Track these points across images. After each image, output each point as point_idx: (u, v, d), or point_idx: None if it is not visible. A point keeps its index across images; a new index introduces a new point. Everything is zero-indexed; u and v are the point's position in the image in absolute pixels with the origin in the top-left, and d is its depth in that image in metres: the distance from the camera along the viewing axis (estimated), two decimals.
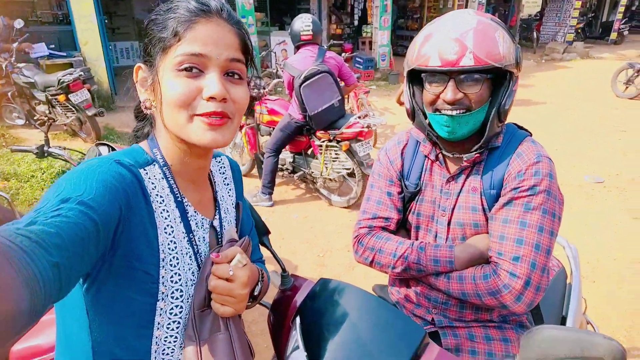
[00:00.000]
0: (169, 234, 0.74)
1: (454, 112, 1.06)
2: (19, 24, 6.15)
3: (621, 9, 15.97)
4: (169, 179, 0.77)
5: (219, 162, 0.96)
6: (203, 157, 0.81)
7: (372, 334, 0.89)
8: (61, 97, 5.11)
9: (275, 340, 1.08)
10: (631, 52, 13.81)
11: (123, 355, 0.72)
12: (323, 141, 3.79)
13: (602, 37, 16.84)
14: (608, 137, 6.23)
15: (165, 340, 0.76)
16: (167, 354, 0.76)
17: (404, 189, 1.26)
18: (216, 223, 0.86)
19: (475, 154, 1.13)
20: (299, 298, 1.05)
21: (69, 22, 7.52)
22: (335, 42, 8.30)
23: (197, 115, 0.71)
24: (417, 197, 1.24)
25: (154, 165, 0.76)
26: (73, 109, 5.24)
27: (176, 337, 0.77)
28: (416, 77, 1.16)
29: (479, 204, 1.13)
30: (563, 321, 1.47)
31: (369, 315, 0.93)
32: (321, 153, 3.86)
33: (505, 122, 1.16)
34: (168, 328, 0.75)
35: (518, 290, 1.01)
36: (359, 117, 3.68)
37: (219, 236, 0.86)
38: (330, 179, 4.00)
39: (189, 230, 0.78)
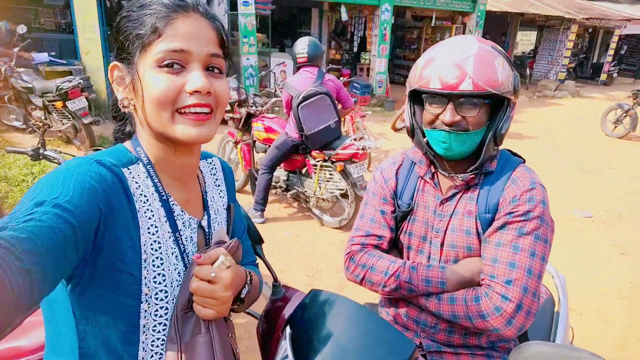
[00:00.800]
0: (153, 234, 0.73)
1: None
2: (22, 29, 6.19)
3: (611, 51, 16.52)
4: (153, 177, 0.75)
5: (210, 163, 0.95)
6: (188, 155, 0.79)
7: (362, 346, 0.89)
8: (58, 104, 5.12)
9: (264, 350, 1.07)
10: (620, 94, 14.20)
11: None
12: (318, 161, 3.82)
13: (592, 78, 17.34)
14: (597, 174, 6.35)
15: (152, 345, 0.74)
16: None
17: (397, 208, 1.27)
18: (205, 223, 0.84)
19: (471, 174, 1.15)
20: (290, 308, 1.04)
21: (71, 31, 7.59)
22: (334, 66, 8.46)
23: (181, 108, 0.70)
24: (409, 217, 1.25)
25: (138, 164, 0.75)
26: (69, 116, 5.24)
27: (164, 341, 0.75)
28: (417, 97, 1.20)
29: (473, 227, 1.14)
30: None
31: (360, 327, 0.93)
32: (315, 172, 3.88)
33: (500, 148, 1.19)
34: (154, 330, 0.74)
35: (509, 313, 1.01)
36: (355, 139, 3.73)
37: (208, 236, 0.84)
38: (323, 199, 4.01)
39: (175, 229, 0.77)
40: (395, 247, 1.31)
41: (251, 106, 4.35)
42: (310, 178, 4.01)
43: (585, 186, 5.80)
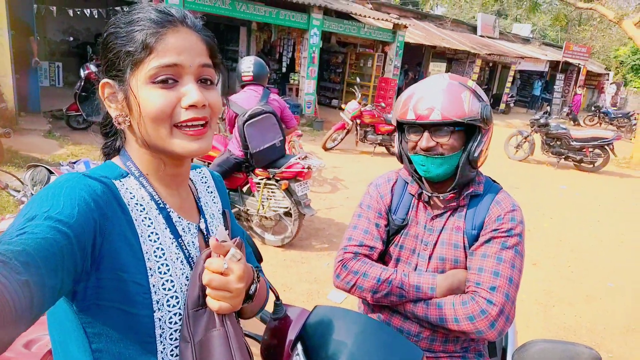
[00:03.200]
0: (154, 242, 0.73)
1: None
2: None
3: (508, 84, 18.65)
4: (147, 187, 0.76)
5: (200, 172, 0.97)
6: (180, 166, 0.80)
7: (374, 356, 0.94)
8: None
9: None
10: (517, 122, 16.04)
11: None
12: (262, 179, 3.82)
13: (493, 107, 19.18)
14: None
15: (171, 354, 0.73)
16: None
17: (391, 222, 1.36)
18: (203, 227, 0.85)
19: (450, 194, 1.29)
20: (296, 325, 1.06)
21: None
22: (266, 87, 8.52)
23: (179, 123, 0.71)
24: (402, 231, 1.35)
25: (129, 177, 0.75)
26: None
27: None
28: (403, 127, 1.34)
29: (461, 242, 1.27)
30: (504, 352, 1.63)
31: (370, 338, 0.98)
32: (259, 191, 3.86)
33: (482, 174, 1.36)
34: (171, 339, 0.73)
35: (493, 316, 1.13)
36: (299, 158, 3.80)
37: (207, 240, 0.85)
38: (266, 217, 4.00)
39: (176, 235, 0.77)
40: (380, 259, 1.38)
41: None
42: (253, 196, 3.98)
43: None
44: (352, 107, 8.22)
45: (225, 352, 0.70)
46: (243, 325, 1.11)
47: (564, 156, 9.16)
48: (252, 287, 0.81)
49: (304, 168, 3.73)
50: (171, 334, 0.73)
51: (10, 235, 0.53)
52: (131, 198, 0.73)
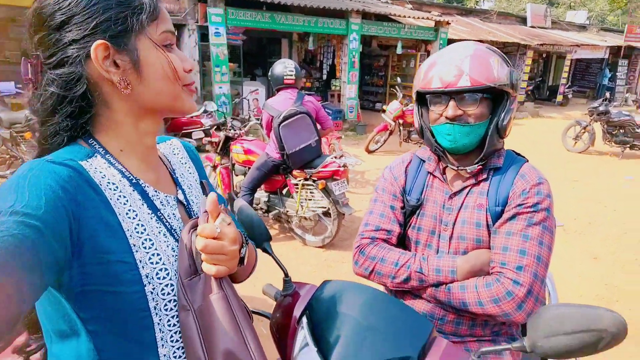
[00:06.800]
0: (133, 219, 0.72)
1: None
2: None
3: (564, 74, 17.58)
4: (116, 164, 0.74)
5: (170, 145, 0.95)
6: (153, 135, 0.82)
7: (382, 328, 0.90)
8: (27, 135, 4.97)
9: (280, 346, 1.06)
10: (576, 113, 15.03)
11: (130, 348, 0.71)
12: (299, 180, 3.85)
13: (549, 99, 18.30)
14: (563, 186, 6.63)
15: (168, 324, 0.74)
16: (176, 340, 0.75)
17: (406, 204, 1.32)
18: (181, 197, 0.85)
19: (478, 166, 1.22)
20: (304, 300, 1.04)
21: None
22: (306, 93, 8.62)
23: (185, 86, 0.78)
24: (418, 212, 1.30)
25: (96, 156, 0.72)
26: None
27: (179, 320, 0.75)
28: (423, 99, 1.28)
29: (484, 220, 1.20)
30: None
31: (377, 310, 0.94)
32: (297, 192, 3.89)
33: (505, 148, 1.28)
34: (166, 309, 0.73)
35: (521, 297, 1.06)
36: (335, 157, 3.79)
37: (188, 210, 0.85)
38: (305, 218, 4.02)
39: (154, 209, 0.76)
40: (401, 244, 1.34)
41: (229, 129, 4.37)
42: (292, 198, 4.02)
43: (554, 198, 6.02)
44: (393, 107, 8.11)
45: (227, 313, 0.72)
46: (249, 303, 1.12)
47: (629, 145, 8.44)
48: (243, 250, 0.82)
49: (339, 166, 3.72)
50: (165, 305, 0.73)
51: None
52: (102, 177, 0.70)
